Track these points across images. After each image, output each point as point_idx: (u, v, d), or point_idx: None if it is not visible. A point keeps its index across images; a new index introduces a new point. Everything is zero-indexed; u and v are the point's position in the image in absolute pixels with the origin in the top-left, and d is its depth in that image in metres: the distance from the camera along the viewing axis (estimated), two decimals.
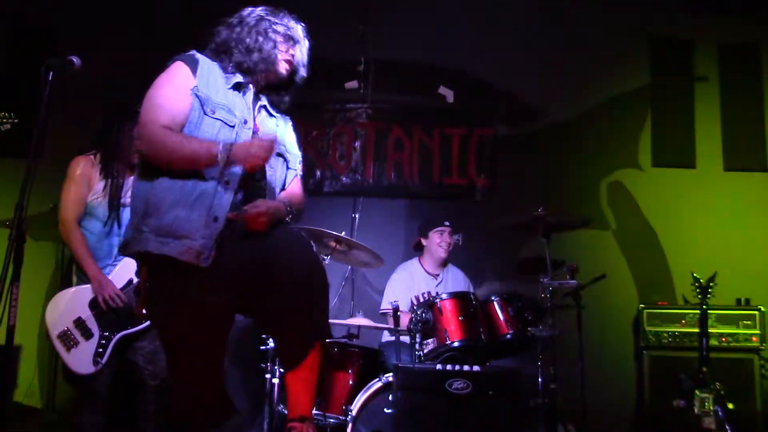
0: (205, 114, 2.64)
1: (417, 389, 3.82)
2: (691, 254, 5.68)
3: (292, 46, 2.82)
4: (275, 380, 4.12)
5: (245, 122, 2.73)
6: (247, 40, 2.74)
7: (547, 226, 4.59)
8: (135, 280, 3.91)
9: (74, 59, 3.11)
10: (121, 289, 3.88)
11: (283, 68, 2.81)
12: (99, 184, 3.98)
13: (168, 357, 2.70)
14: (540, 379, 4.26)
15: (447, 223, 5.12)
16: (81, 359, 3.80)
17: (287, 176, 2.91)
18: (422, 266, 5.18)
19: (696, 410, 4.46)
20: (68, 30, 5.68)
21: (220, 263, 2.55)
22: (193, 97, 2.63)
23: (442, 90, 5.95)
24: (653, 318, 5.26)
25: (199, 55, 2.74)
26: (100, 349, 3.81)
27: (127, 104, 4.03)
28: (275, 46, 2.76)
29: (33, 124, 3.02)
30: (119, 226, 3.98)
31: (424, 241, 5.19)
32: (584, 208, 5.75)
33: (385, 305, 4.97)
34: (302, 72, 2.88)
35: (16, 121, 3.83)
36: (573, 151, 5.94)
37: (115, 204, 3.97)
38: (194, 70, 2.66)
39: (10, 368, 4.82)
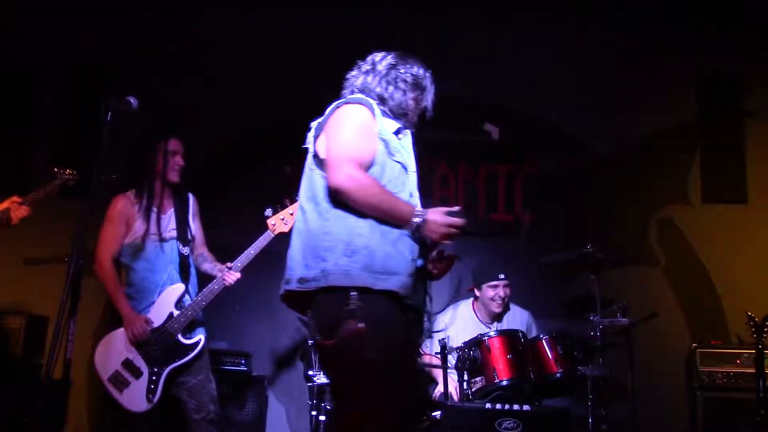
0: (389, 156, 2.68)
1: (466, 428, 3.78)
2: (744, 292, 5.52)
3: (420, 94, 2.89)
4: (322, 417, 4.11)
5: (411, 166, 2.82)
6: (378, 89, 2.81)
7: (596, 263, 4.54)
8: (175, 313, 3.91)
9: (132, 100, 3.18)
10: (163, 323, 3.91)
11: (415, 116, 2.90)
12: (139, 222, 3.98)
13: (381, 380, 2.50)
14: (590, 420, 4.18)
15: (502, 276, 4.82)
16: (135, 398, 3.83)
17: None
18: (476, 313, 4.94)
19: None
20: (121, 68, 5.75)
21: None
22: (379, 140, 2.68)
23: (488, 126, 5.94)
24: (707, 358, 5.10)
25: (368, 99, 2.78)
26: (152, 386, 3.85)
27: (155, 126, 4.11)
28: (405, 94, 2.83)
29: (91, 163, 3.09)
30: (169, 261, 4.02)
31: (477, 292, 4.93)
32: (633, 245, 5.66)
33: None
34: (428, 116, 2.97)
35: (80, 178, 3.93)
36: (620, 188, 5.86)
37: (162, 239, 3.99)
38: (373, 114, 2.70)
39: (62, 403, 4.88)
